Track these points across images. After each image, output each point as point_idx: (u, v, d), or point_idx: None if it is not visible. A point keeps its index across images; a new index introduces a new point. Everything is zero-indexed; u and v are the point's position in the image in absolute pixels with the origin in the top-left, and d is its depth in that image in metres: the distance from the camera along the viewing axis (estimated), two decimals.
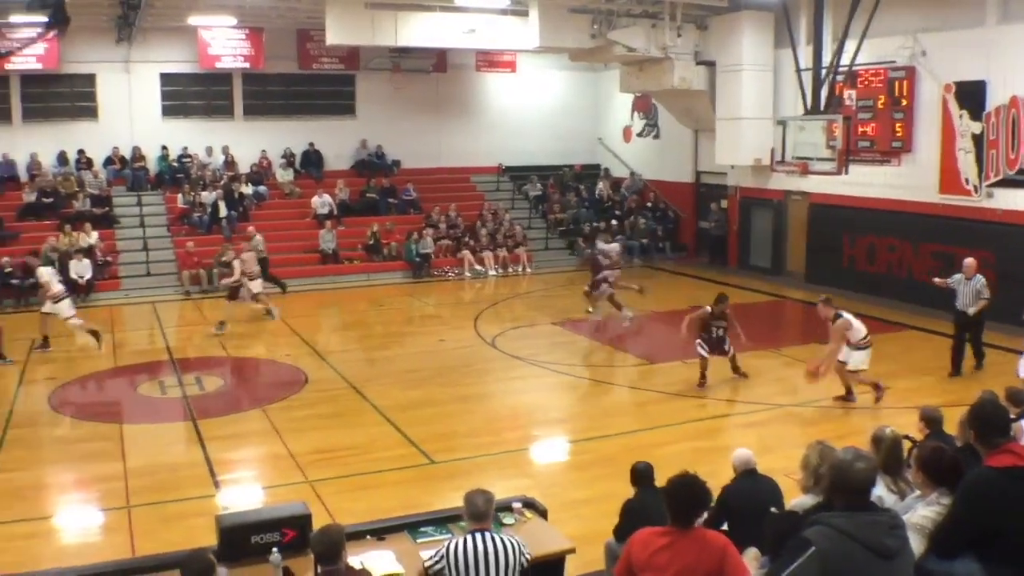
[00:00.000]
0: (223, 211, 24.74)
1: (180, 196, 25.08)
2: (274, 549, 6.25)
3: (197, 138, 26.59)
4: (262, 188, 26.27)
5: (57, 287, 17.23)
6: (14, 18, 21.41)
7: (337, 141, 27.87)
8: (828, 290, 15.69)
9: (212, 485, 10.37)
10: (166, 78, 26.32)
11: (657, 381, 14.48)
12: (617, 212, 27.80)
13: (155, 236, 24.12)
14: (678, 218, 27.96)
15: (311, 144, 27.59)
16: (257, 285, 19.27)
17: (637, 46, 22.54)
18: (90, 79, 25.67)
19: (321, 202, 25.59)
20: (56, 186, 24.58)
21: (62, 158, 25.50)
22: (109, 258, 22.69)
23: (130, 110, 25.87)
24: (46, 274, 17.39)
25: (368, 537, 6.81)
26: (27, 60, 23.98)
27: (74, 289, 20.26)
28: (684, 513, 4.76)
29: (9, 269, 21.46)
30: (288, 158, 27.19)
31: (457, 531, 6.57)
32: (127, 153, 25.88)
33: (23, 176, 25.14)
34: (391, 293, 22.87)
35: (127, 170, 25.71)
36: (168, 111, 26.49)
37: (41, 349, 17.08)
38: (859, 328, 12.66)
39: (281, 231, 24.88)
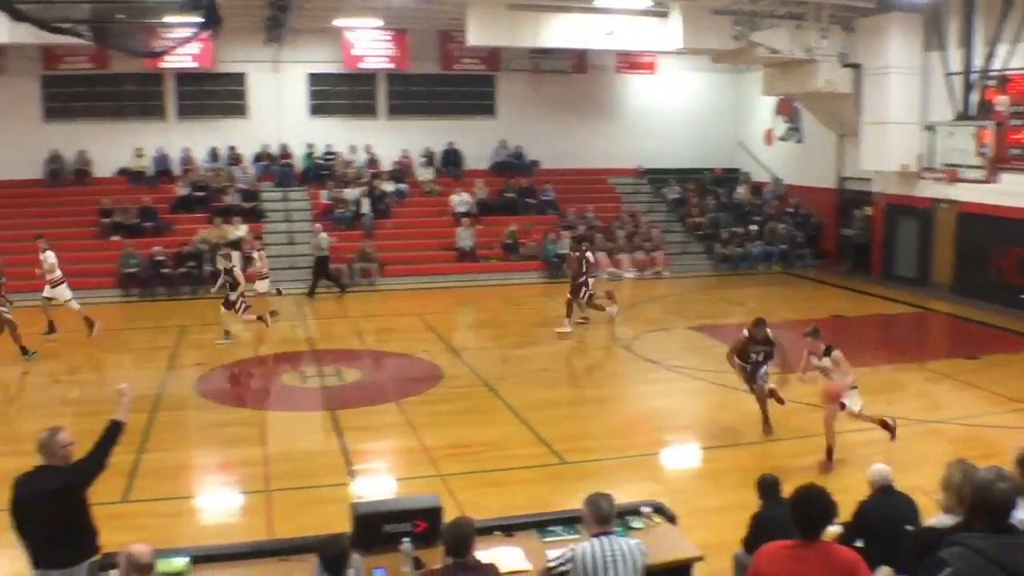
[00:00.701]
0: (365, 208, 25.29)
1: (324, 192, 25.75)
2: (406, 539, 6.38)
3: (341, 136, 27.27)
4: (403, 186, 26.74)
5: (58, 272, 17.81)
6: (168, 18, 22.25)
7: (477, 141, 28.16)
8: (975, 303, 15.12)
9: (347, 474, 10.61)
10: (313, 78, 27.10)
11: (792, 391, 14.15)
12: (757, 217, 27.33)
13: (299, 230, 24.80)
14: (820, 224, 27.31)
15: (451, 143, 27.95)
16: (264, 285, 19.51)
17: (781, 48, 22.10)
18: (241, 78, 26.62)
19: (460, 200, 25.91)
20: (207, 180, 25.56)
21: (213, 154, 26.52)
22: (254, 252, 23.41)
23: (278, 108, 26.70)
24: (51, 257, 17.91)
25: (497, 533, 6.86)
26: (183, 59, 24.96)
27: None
28: (809, 525, 4.69)
29: (162, 258, 22.40)
30: (429, 157, 27.63)
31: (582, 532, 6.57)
32: (275, 150, 26.74)
33: (177, 170, 26.26)
34: (526, 292, 23.00)
35: (275, 166, 26.55)
36: (314, 110, 27.26)
37: (48, 335, 17.41)
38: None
39: (420, 228, 25.31)
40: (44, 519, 6.27)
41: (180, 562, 6.49)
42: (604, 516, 5.81)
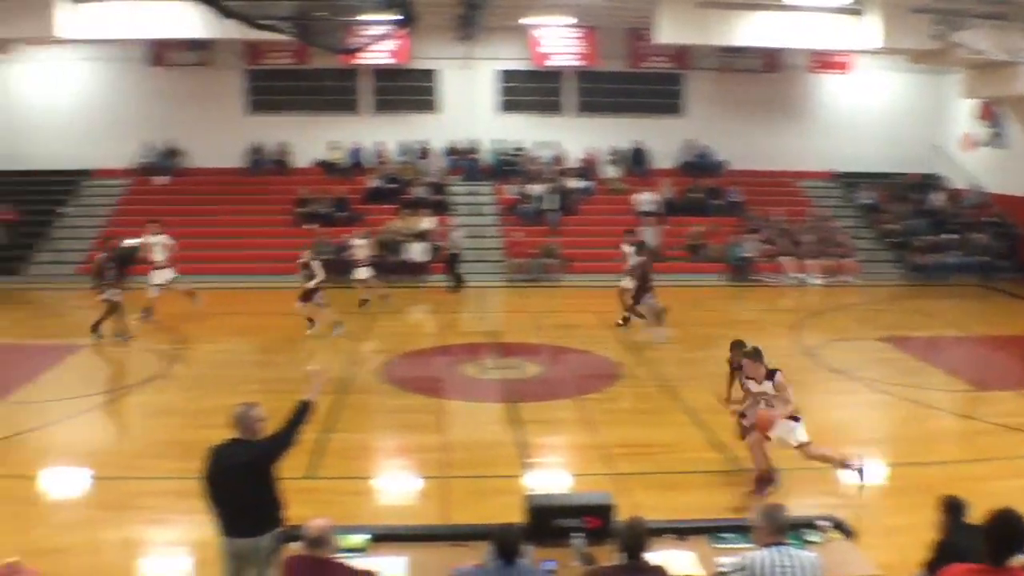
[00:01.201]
0: (549, 204, 25.48)
1: (510, 187, 26.10)
2: (577, 534, 6.42)
3: (529, 132, 27.60)
4: (589, 183, 26.81)
5: (160, 256, 18.88)
6: (366, 16, 22.96)
7: (663, 140, 27.96)
8: None
9: (522, 466, 10.74)
10: (502, 74, 27.50)
11: (988, 410, 13.47)
12: (954, 225, 26.11)
13: (485, 224, 25.22)
14: (1021, 236, 25.89)
15: (638, 142, 27.84)
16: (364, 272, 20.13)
17: (982, 49, 21.05)
18: (433, 74, 27.30)
19: (645, 199, 25.78)
20: (398, 173, 26.30)
21: (405, 147, 27.26)
22: (442, 243, 23.93)
23: (468, 104, 27.24)
24: (165, 241, 19.13)
25: (668, 536, 6.80)
26: (380, 55, 25.77)
27: (408, 270, 21.82)
28: (998, 550, 4.51)
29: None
30: (615, 155, 27.61)
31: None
32: (464, 145, 27.30)
33: (370, 163, 27.13)
34: (709, 295, 22.67)
35: (463, 161, 27.10)
36: (503, 106, 27.67)
37: (144, 317, 18.29)
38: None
39: (604, 226, 25.26)
40: (234, 490, 6.60)
41: (360, 539, 6.72)
42: (779, 526, 5.69)
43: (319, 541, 5.59)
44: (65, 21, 20.68)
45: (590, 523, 6.63)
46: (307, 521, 5.76)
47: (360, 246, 20.14)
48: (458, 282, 22.78)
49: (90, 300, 18.13)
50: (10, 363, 16.26)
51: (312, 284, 17.46)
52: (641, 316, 18.08)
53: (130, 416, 13.38)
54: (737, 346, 10.69)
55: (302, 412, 6.91)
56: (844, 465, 10.03)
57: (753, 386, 10.08)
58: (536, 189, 25.84)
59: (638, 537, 5.59)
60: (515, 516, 6.81)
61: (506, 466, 10.61)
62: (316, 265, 17.58)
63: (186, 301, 18.63)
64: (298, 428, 6.86)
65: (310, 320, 17.65)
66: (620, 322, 18.33)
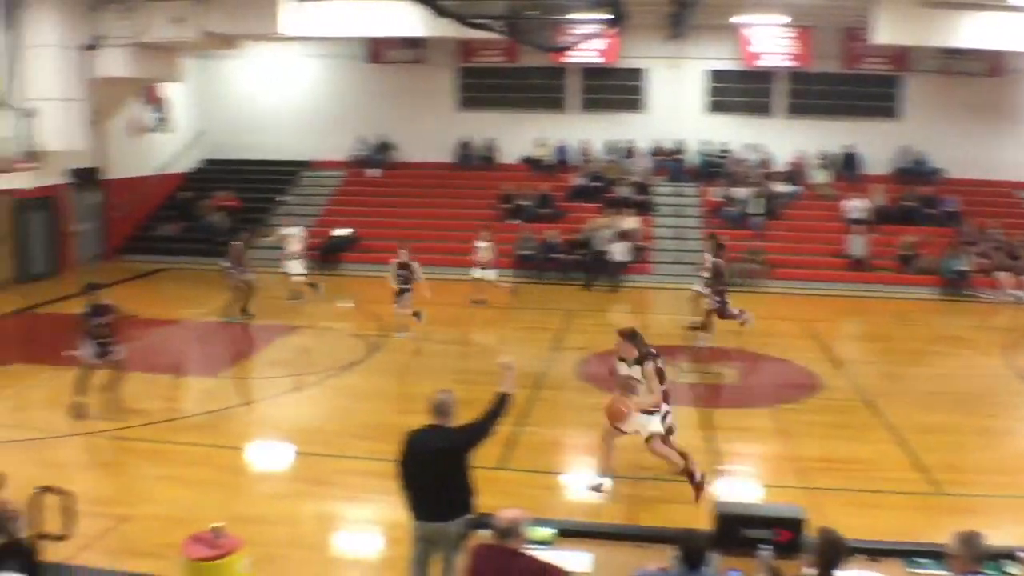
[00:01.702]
0: (754, 207, 25.04)
1: (715, 190, 25.79)
2: (765, 546, 6.35)
3: (736, 134, 27.16)
4: (796, 187, 26.18)
5: (296, 247, 20.08)
6: (577, 15, 23.14)
7: (877, 144, 26.89)
8: None
9: (712, 472, 10.62)
10: (710, 74, 27.17)
11: None
12: None
13: (688, 226, 25.00)
14: None
15: (849, 146, 26.95)
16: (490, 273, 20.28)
17: None
18: (641, 73, 27.24)
19: (854, 206, 24.94)
20: (603, 172, 26.41)
21: (610, 146, 27.34)
22: (644, 243, 23.89)
23: (675, 104, 27.07)
24: (296, 233, 20.25)
25: (861, 556, 6.63)
26: (588, 54, 25.97)
27: (607, 269, 21.97)
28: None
29: (556, 242, 23.43)
30: (825, 159, 26.82)
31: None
32: (669, 145, 27.14)
33: (575, 161, 27.36)
34: (918, 308, 21.72)
35: (668, 161, 26.95)
36: (711, 106, 27.34)
37: (294, 300, 19.80)
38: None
39: (811, 232, 24.68)
40: (428, 474, 6.85)
41: (547, 532, 6.86)
42: (978, 555, 5.48)
43: (509, 531, 5.70)
44: (289, 20, 21.75)
45: (780, 535, 6.55)
46: (497, 510, 5.89)
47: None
48: (591, 280, 22.83)
49: (298, 285, 19.19)
50: (227, 342, 17.29)
51: (408, 286, 17.28)
52: (732, 317, 17.28)
53: (334, 397, 13.99)
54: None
55: (501, 404, 7.10)
56: (684, 473, 9.67)
57: (623, 368, 9.88)
58: (741, 192, 25.43)
59: (836, 552, 5.49)
60: (702, 522, 6.80)
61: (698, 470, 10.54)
62: (416, 266, 17.41)
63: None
64: (497, 419, 7.05)
65: (415, 314, 17.51)
66: (696, 323, 17.77)
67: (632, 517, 9.17)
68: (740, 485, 10.51)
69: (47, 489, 6.99)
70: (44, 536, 6.86)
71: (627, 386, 9.73)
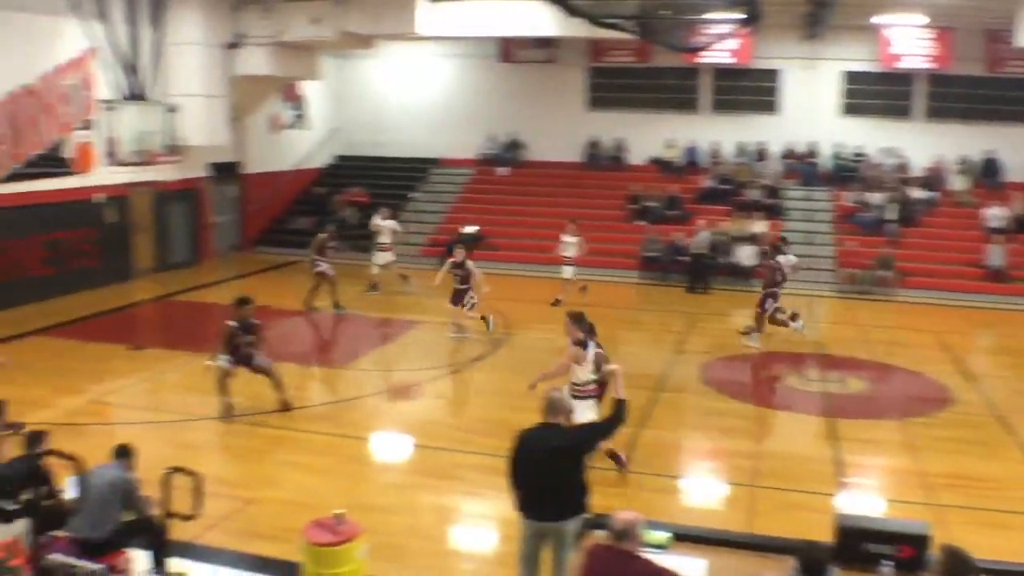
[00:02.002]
0: (889, 214, 24.37)
1: (849, 195, 25.18)
2: (887, 562, 6.22)
3: (871, 138, 26.42)
4: (933, 194, 25.36)
5: (386, 238, 20.92)
6: (711, 15, 22.88)
7: (1019, 150, 25.72)
8: None
9: (834, 484, 10.43)
10: (847, 76, 26.51)
11: None
12: None
13: (820, 231, 24.48)
14: None
15: (991, 152, 25.94)
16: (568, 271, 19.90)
17: None
18: (774, 74, 26.76)
19: (995, 215, 24.02)
20: (732, 174, 26.06)
21: (741, 148, 26.96)
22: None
23: (809, 106, 26.51)
24: (381, 225, 20.93)
25: None
26: (721, 54, 25.66)
27: (733, 273, 21.71)
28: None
29: (682, 246, 23.20)
30: (964, 164, 25.91)
31: None
32: (801, 148, 26.60)
33: (704, 163, 27.09)
34: None
35: (800, 164, 26.42)
36: (845, 109, 26.68)
37: (372, 292, 20.40)
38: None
39: (947, 240, 23.88)
40: (544, 473, 6.88)
41: (662, 536, 6.84)
42: None
43: (626, 534, 5.68)
44: (425, 19, 22.09)
45: (902, 552, 6.41)
46: (613, 511, 5.90)
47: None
48: (696, 284, 22.56)
49: (429, 279, 19.44)
50: (356, 335, 17.67)
51: (464, 286, 16.92)
52: (783, 324, 17.08)
53: (457, 392, 14.19)
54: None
55: (620, 410, 7.10)
56: (614, 457, 10.33)
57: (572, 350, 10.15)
58: (876, 198, 24.76)
59: (963, 571, 5.32)
60: (822, 534, 6.69)
61: (818, 482, 10.35)
62: (472, 265, 17.07)
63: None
64: (615, 426, 7.06)
65: (483, 318, 17.23)
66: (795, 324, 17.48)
67: (750, 525, 9.05)
68: (864, 498, 10.28)
69: (177, 469, 7.27)
70: (173, 515, 7.16)
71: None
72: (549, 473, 6.89)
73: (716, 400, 13.71)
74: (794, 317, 17.13)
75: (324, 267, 19.03)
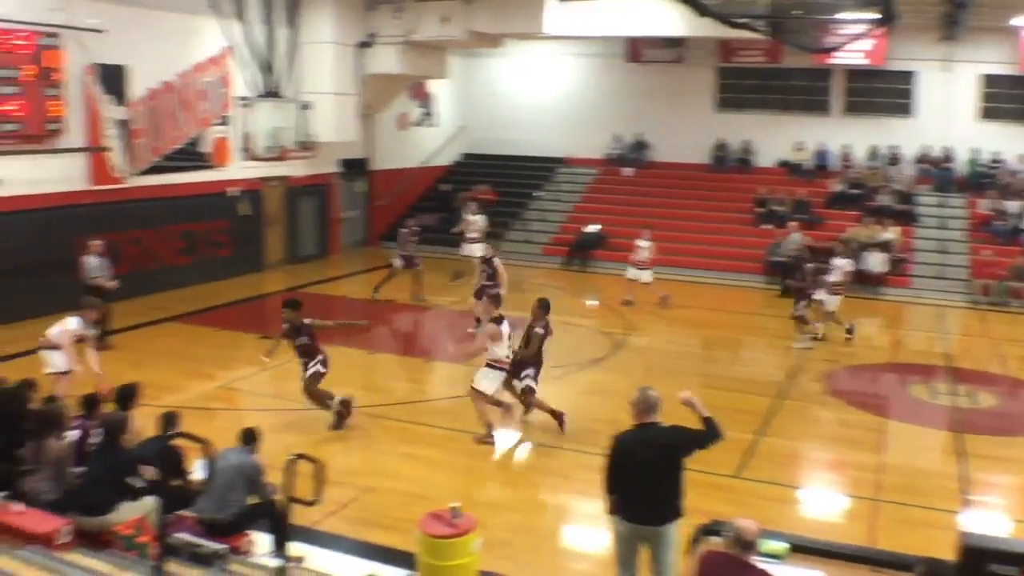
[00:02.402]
0: None
1: (984, 202, 24.32)
2: None
3: (1010, 143, 25.39)
4: None
5: (475, 232, 20.99)
6: (844, 15, 22.37)
7: None
8: None
9: (960, 501, 10.11)
10: (984, 79, 25.56)
11: None
12: None
13: (953, 239, 23.72)
14: None
15: None
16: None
17: None
18: (909, 76, 25.97)
19: None
20: (863, 179, 25.43)
21: (873, 152, 26.28)
22: (904, 255, 22.86)
23: (945, 110, 25.63)
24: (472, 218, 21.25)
25: None
26: (854, 55, 25.05)
27: (863, 280, 21.23)
28: None
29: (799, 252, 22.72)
30: None
31: None
32: (936, 153, 25.76)
33: (835, 166, 26.50)
34: None
35: (934, 170, 25.61)
36: (984, 113, 25.73)
37: (457, 280, 19.32)
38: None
39: None
40: (648, 474, 6.82)
41: (780, 546, 6.75)
42: None
43: (744, 542, 5.64)
44: (553, 19, 22.19)
45: None
46: (731, 519, 5.84)
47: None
48: (786, 287, 21.49)
49: (554, 279, 19.58)
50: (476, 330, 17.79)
51: (491, 282, 16.34)
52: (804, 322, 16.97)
53: (576, 392, 14.19)
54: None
55: (713, 427, 6.95)
56: (484, 439, 11.31)
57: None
58: (1013, 206, 23.83)
59: None
60: (945, 553, 6.52)
61: (942, 498, 10.03)
62: (498, 262, 16.72)
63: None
64: (715, 438, 6.94)
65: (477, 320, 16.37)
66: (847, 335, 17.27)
67: (870, 539, 8.84)
68: (990, 517, 9.94)
69: (301, 456, 7.48)
70: (295, 500, 7.36)
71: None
72: (653, 474, 6.83)
73: (840, 410, 13.42)
74: (849, 330, 17.27)
75: (399, 262, 19.54)
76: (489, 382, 11.42)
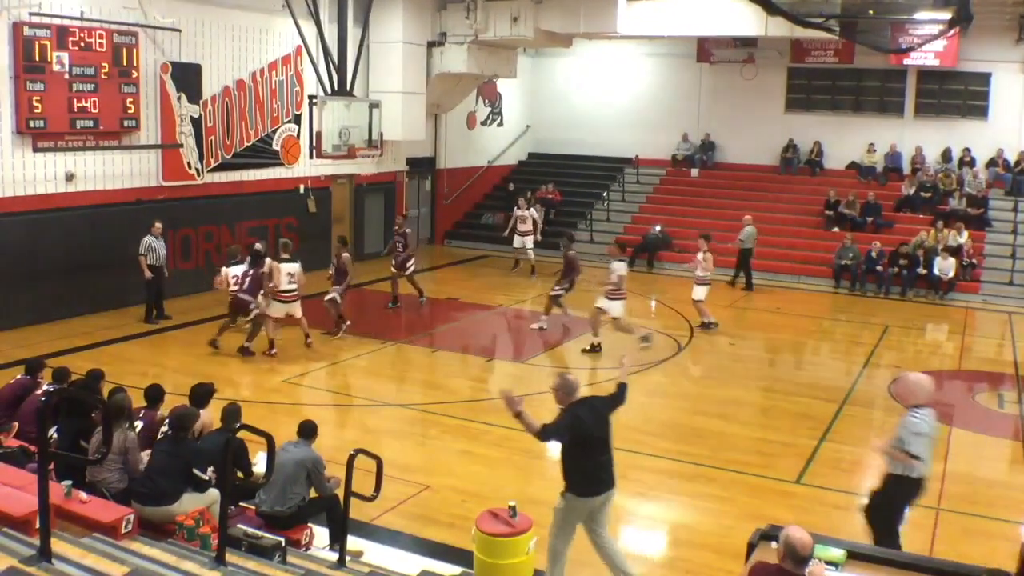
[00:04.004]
0: None
1: None
2: None
3: None
4: None
5: (523, 227, 22.22)
6: (919, 15, 22.04)
7: None
8: None
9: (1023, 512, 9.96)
10: None
11: None
12: None
13: None
14: None
15: None
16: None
17: None
18: (984, 78, 25.42)
19: None
20: (935, 182, 24.98)
21: (945, 155, 25.80)
22: (975, 260, 22.42)
23: (1020, 112, 25.07)
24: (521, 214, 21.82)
25: None
26: (927, 56, 24.66)
27: (932, 285, 20.92)
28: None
29: (877, 254, 22.40)
30: None
31: None
32: (1011, 156, 25.19)
33: (906, 169, 26.07)
34: None
35: (1008, 174, 25.05)
36: None
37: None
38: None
39: None
40: (604, 442, 7.53)
41: (837, 553, 6.68)
42: None
43: (798, 557, 5.52)
44: (625, 18, 22.17)
45: None
46: (788, 525, 5.76)
47: None
48: (748, 281, 22.07)
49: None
50: (544, 331, 17.79)
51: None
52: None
53: (636, 393, 14.10)
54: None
55: (625, 391, 7.79)
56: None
57: None
58: None
59: None
60: (1007, 564, 6.43)
61: (1006, 508, 9.88)
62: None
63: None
64: (623, 401, 7.75)
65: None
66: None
67: (930, 548, 8.72)
68: None
69: (361, 452, 7.59)
70: (354, 495, 7.47)
71: None
72: (606, 442, 7.51)
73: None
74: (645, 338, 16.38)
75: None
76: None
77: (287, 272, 14.88)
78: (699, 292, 17.42)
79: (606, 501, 7.53)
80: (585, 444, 7.34)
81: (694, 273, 17.49)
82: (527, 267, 22.82)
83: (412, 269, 18.69)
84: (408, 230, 19.47)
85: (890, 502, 8.01)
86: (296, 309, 15.16)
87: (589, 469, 7.40)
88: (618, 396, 7.78)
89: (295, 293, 15.01)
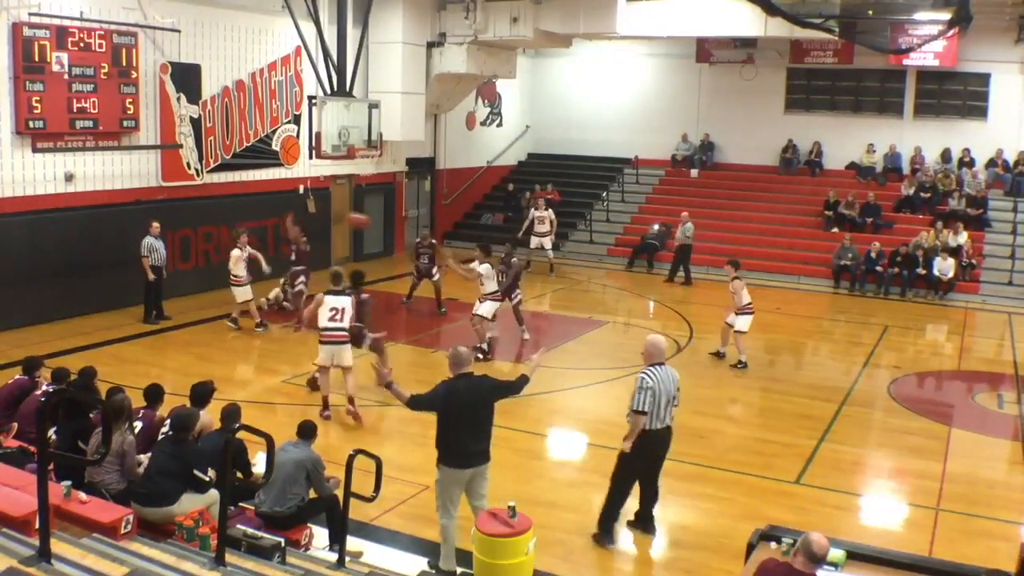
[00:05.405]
0: None
1: None
2: None
3: None
4: None
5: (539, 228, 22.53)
6: (919, 15, 22.05)
7: None
8: None
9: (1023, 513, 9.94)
10: None
11: None
12: None
13: None
14: None
15: None
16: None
17: None
18: (984, 79, 25.41)
19: None
20: (935, 182, 24.98)
21: (945, 155, 25.79)
22: (975, 260, 22.43)
23: (1020, 112, 25.08)
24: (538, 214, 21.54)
25: None
26: (926, 56, 24.67)
27: (932, 285, 20.87)
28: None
29: (876, 255, 22.41)
30: None
31: None
32: (1010, 156, 25.19)
33: (905, 169, 26.07)
34: None
35: (1007, 174, 25.05)
36: None
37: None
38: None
39: None
40: (480, 417, 7.83)
41: (837, 553, 6.68)
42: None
43: (815, 556, 5.52)
44: (624, 19, 22.16)
45: None
46: (808, 533, 5.70)
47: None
48: (687, 276, 22.56)
49: (618, 280, 19.52)
50: (538, 330, 17.87)
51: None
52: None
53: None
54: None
55: (523, 381, 8.06)
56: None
57: None
58: None
59: None
60: (1007, 564, 6.44)
61: (1005, 509, 9.87)
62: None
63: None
64: (519, 389, 8.02)
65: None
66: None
67: (927, 548, 8.72)
68: None
69: (361, 452, 7.59)
70: (354, 495, 7.46)
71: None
72: (484, 417, 7.83)
73: (904, 417, 13.22)
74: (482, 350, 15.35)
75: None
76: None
77: (331, 307, 12.20)
78: (741, 323, 15.45)
79: (477, 476, 7.89)
80: (456, 417, 7.68)
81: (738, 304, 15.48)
82: (541, 267, 23.02)
83: (438, 276, 19.00)
84: (433, 241, 19.80)
85: (632, 457, 8.75)
86: (345, 356, 12.30)
87: (455, 442, 7.73)
88: (513, 385, 8.03)
89: (342, 333, 12.27)
